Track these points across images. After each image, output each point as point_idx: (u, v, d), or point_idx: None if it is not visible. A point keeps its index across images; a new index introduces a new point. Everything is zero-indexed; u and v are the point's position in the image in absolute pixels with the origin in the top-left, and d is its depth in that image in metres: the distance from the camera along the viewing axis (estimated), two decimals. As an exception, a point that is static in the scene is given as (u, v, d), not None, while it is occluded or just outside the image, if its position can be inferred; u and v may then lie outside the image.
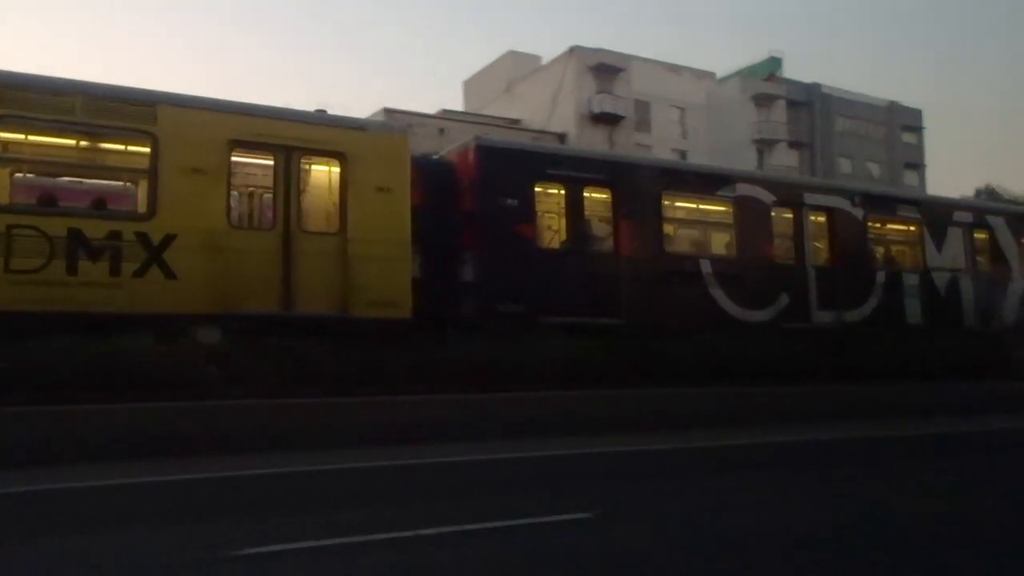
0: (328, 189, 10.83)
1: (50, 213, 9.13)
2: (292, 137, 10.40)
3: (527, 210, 12.09)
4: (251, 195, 10.73)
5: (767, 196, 14.34)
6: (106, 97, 9.54)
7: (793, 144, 53.53)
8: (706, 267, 13.49)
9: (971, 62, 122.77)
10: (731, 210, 14.08)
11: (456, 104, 53.77)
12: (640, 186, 13.10)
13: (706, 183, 13.99)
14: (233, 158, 10.08)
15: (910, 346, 15.28)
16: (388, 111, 38.35)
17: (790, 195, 14.74)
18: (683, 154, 44.41)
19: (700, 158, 40.64)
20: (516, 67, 51.64)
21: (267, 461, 7.77)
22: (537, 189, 12.33)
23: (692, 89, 51.00)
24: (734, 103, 51.43)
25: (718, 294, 13.48)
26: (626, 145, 45.85)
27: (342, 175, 10.69)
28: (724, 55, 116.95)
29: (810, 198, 14.96)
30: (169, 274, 9.45)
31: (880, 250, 16.43)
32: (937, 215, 16.58)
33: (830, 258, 15.09)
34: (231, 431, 8.52)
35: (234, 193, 10.15)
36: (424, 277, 11.34)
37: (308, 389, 9.64)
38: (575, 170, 12.65)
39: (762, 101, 53.42)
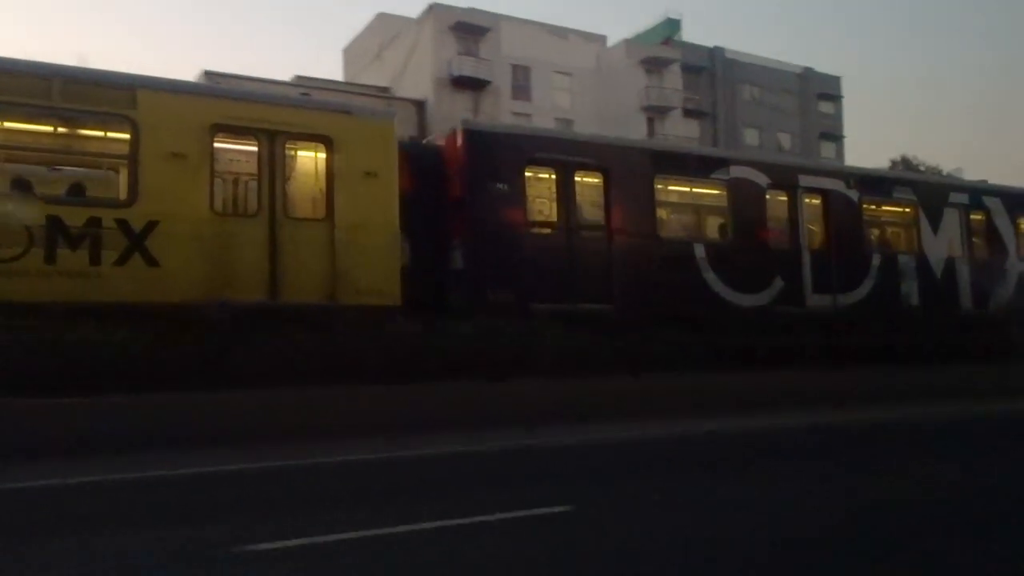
0: (314, 175, 10.62)
1: (27, 200, 8.92)
2: (276, 121, 10.18)
3: (517, 195, 11.90)
4: (235, 181, 10.51)
5: (762, 179, 14.16)
6: (84, 81, 9.31)
7: (691, 113, 49.98)
8: (699, 251, 13.33)
9: (891, 29, 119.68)
10: (725, 193, 13.92)
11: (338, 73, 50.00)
12: (632, 170, 12.91)
13: (700, 166, 13.80)
14: (216, 143, 9.86)
15: (906, 329, 15.22)
16: (210, 74, 34.38)
17: (785, 177, 14.56)
18: (569, 123, 39.79)
19: (588, 127, 35.99)
20: (387, 31, 47.45)
21: (258, 455, 7.61)
22: (527, 173, 12.13)
23: (580, 54, 46.72)
24: (623, 69, 47.44)
25: (711, 278, 13.33)
26: (494, 113, 41.32)
27: (328, 160, 10.48)
28: (622, 18, 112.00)
29: (805, 180, 14.78)
30: (151, 262, 9.26)
31: (875, 232, 16.29)
32: (933, 196, 16.43)
33: (825, 241, 14.95)
34: (221, 424, 8.37)
35: (217, 179, 9.92)
36: (412, 264, 11.17)
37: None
38: (566, 153, 12.45)
39: (653, 66, 49.33)
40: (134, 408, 8.27)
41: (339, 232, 10.32)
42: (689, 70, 50.72)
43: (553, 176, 12.37)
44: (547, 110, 43.24)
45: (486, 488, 6.44)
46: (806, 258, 14.48)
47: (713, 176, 13.78)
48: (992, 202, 17.47)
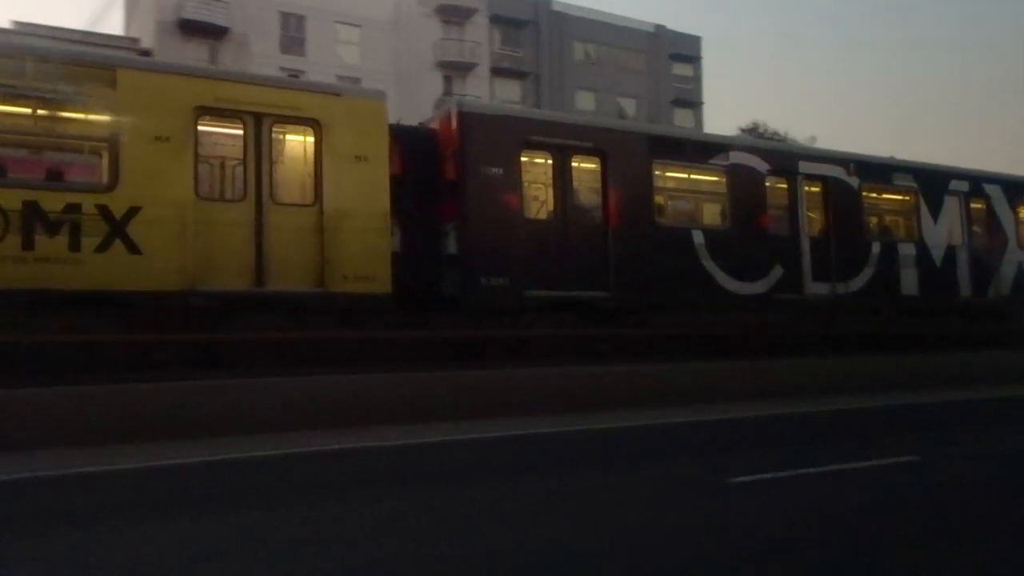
0: (302, 158, 10.31)
1: (2, 185, 8.58)
2: (263, 103, 9.85)
3: (512, 179, 11.58)
4: (220, 165, 10.18)
5: (761, 165, 13.88)
6: (61, 61, 8.95)
7: (508, 72, 43.82)
8: (698, 238, 13.07)
9: None
10: (724, 179, 13.64)
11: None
12: (630, 154, 12.61)
13: (699, 151, 13.49)
14: (200, 126, 9.53)
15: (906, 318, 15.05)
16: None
17: (785, 164, 14.27)
18: (356, 81, 32.68)
19: (379, 84, 26.04)
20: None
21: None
22: (523, 158, 11.81)
23: (372, 3, 39.72)
24: (418, 19, 41.20)
25: (710, 266, 13.08)
26: (245, 66, 32.96)
27: (316, 143, 10.16)
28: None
29: (805, 167, 14.50)
30: (133, 249, 8.95)
31: (875, 220, 16.05)
32: (933, 184, 16.18)
33: (824, 229, 14.70)
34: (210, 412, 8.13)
35: (201, 163, 9.59)
36: (404, 250, 10.88)
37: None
38: (563, 137, 12.13)
39: (451, 16, 42.36)
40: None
41: (328, 218, 10.03)
42: (505, 23, 43.88)
43: (549, 160, 12.06)
44: (328, 65, 36.28)
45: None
46: (805, 246, 14.23)
47: (712, 162, 13.49)
48: (992, 190, 17.23)
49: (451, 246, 11.29)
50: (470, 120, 11.48)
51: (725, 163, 13.53)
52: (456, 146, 11.36)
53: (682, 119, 47.85)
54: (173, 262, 9.19)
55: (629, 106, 46.68)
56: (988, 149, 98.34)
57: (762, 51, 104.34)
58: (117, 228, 8.87)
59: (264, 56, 35.41)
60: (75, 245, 8.67)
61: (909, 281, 15.47)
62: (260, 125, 9.81)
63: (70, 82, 8.83)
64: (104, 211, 8.82)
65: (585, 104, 44.19)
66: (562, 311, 12.02)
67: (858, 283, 14.75)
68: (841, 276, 14.51)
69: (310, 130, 10.18)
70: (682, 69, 50.07)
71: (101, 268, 8.77)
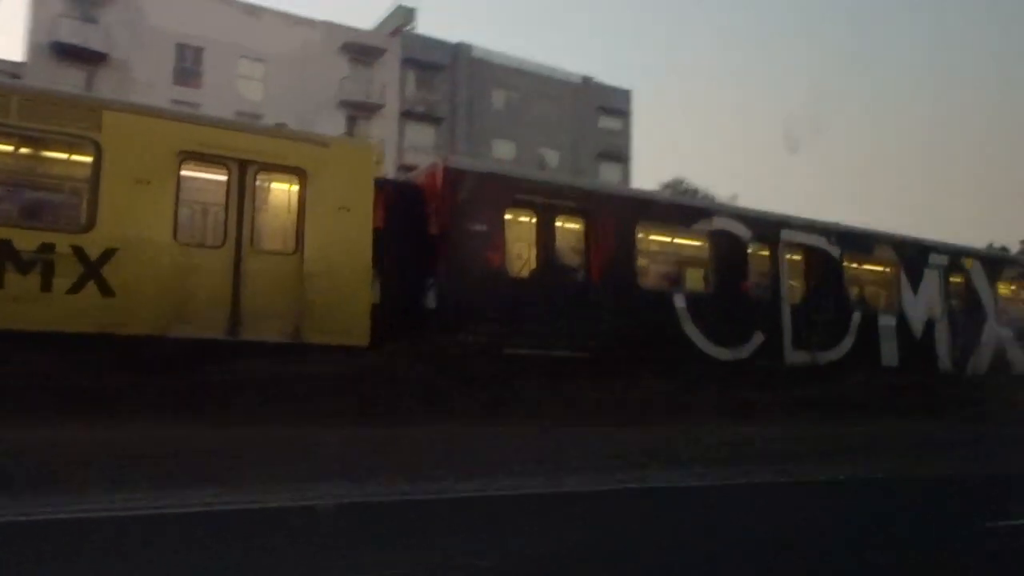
0: (285, 207, 10.27)
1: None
2: (249, 151, 9.85)
3: (496, 236, 11.59)
4: (201, 210, 10.11)
5: (744, 231, 14.00)
6: (46, 99, 8.93)
7: (418, 116, 42.09)
8: (680, 302, 13.08)
9: (683, 43, 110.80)
10: (706, 244, 13.73)
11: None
12: (615, 216, 12.68)
13: (682, 216, 13.60)
14: (183, 171, 9.49)
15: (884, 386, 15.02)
16: None
17: (767, 231, 14.41)
18: (258, 117, 31.72)
19: (281, 118, 21.70)
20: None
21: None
22: (507, 215, 11.84)
23: (279, 38, 38.15)
24: (323, 56, 39.52)
25: (691, 330, 13.06)
26: (118, 91, 29.72)
27: (301, 192, 10.14)
28: (363, 5, 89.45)
29: (787, 235, 14.65)
30: (106, 291, 8.80)
31: (856, 290, 16.18)
32: (914, 257, 16.38)
33: (805, 297, 14.77)
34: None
35: (182, 207, 9.52)
36: (383, 303, 10.79)
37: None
38: (548, 196, 12.20)
39: (359, 55, 40.74)
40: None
41: (308, 267, 9.95)
42: (421, 66, 42.44)
43: (534, 219, 12.10)
44: (225, 99, 34.29)
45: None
46: (786, 313, 14.28)
47: (695, 227, 13.60)
48: (972, 264, 17.47)
49: (431, 300, 11.22)
50: (456, 176, 11.53)
51: (708, 228, 13.64)
52: (441, 201, 11.39)
53: (608, 173, 46.46)
54: (146, 306, 9.05)
55: (552, 158, 45.09)
56: (918, 214, 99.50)
57: (696, 105, 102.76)
58: (92, 269, 8.74)
59: (152, 86, 33.64)
60: (47, 285, 8.51)
61: (889, 351, 15.52)
62: (245, 172, 9.79)
63: (55, 121, 8.80)
64: (79, 252, 8.70)
65: (504, 153, 42.68)
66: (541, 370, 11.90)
67: (838, 352, 14.78)
68: (822, 345, 14.54)
69: (295, 178, 10.17)
70: (610, 122, 48.78)
71: (72, 309, 8.61)
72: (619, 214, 12.76)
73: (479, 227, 11.40)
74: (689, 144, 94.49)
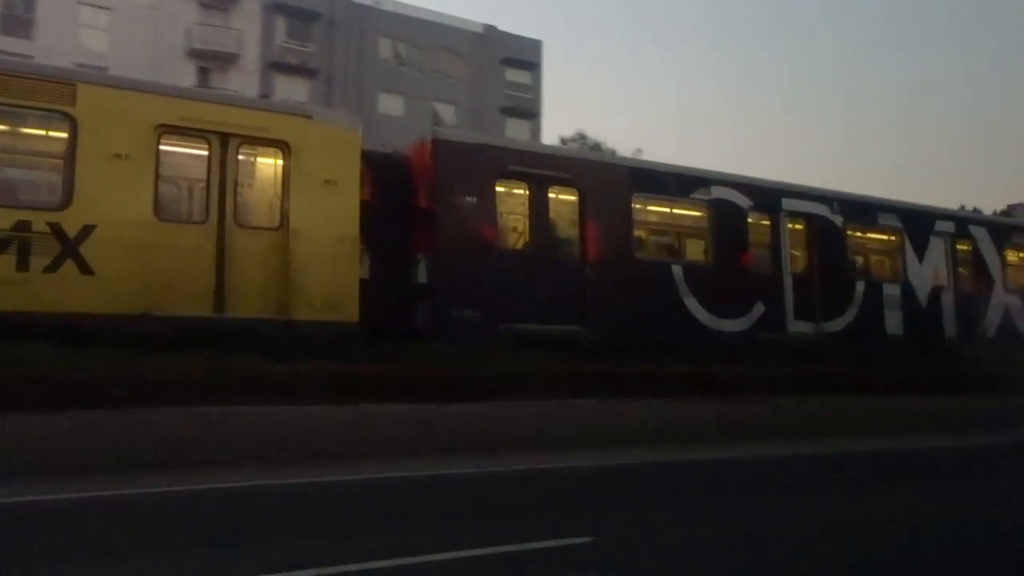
0: (269, 181, 10.02)
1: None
2: (230, 124, 9.58)
3: (487, 209, 11.33)
4: (183, 185, 9.87)
5: (743, 200, 13.68)
6: (19, 74, 8.68)
7: (290, 68, 38.86)
8: (678, 273, 12.80)
9: None
10: (705, 214, 13.43)
11: None
12: (610, 187, 12.39)
13: (680, 185, 13.27)
14: (162, 145, 9.24)
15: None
16: None
17: (768, 200, 14.08)
18: (103, 69, 26.28)
19: (129, 72, 20.88)
20: None
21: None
22: (499, 188, 11.56)
23: None
24: (175, 4, 36.58)
25: (690, 302, 12.79)
26: None
27: (285, 166, 9.88)
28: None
29: (788, 203, 14.32)
30: (85, 270, 8.60)
31: (859, 259, 15.86)
32: (919, 224, 16.03)
33: (808, 267, 14.47)
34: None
35: (162, 183, 9.28)
36: (373, 279, 10.56)
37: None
38: (541, 168, 11.90)
39: (212, 1, 37.49)
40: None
41: (294, 243, 9.70)
42: (292, 14, 38.93)
43: (527, 191, 11.82)
44: (64, 51, 30.64)
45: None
46: (788, 284, 13.99)
47: (693, 196, 13.28)
48: (978, 231, 17.11)
49: (422, 276, 10.98)
50: (445, 148, 11.26)
51: (707, 198, 13.33)
52: (430, 174, 11.12)
53: (514, 130, 42.41)
54: (128, 284, 8.84)
55: (448, 113, 41.25)
56: (826, 169, 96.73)
57: (612, 58, 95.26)
58: (69, 248, 8.52)
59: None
60: (23, 264, 8.31)
61: (894, 322, 15.23)
62: (226, 146, 9.53)
63: (29, 96, 8.55)
64: (56, 229, 8.48)
65: (392, 109, 38.95)
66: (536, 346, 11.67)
67: (842, 322, 14.50)
68: (824, 315, 14.26)
69: (279, 152, 9.90)
70: (517, 75, 44.64)
71: (50, 289, 8.41)
72: (614, 184, 12.47)
73: (470, 200, 11.13)
74: (604, 98, 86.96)
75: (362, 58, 40.28)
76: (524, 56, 45.20)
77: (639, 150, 33.56)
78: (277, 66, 38.88)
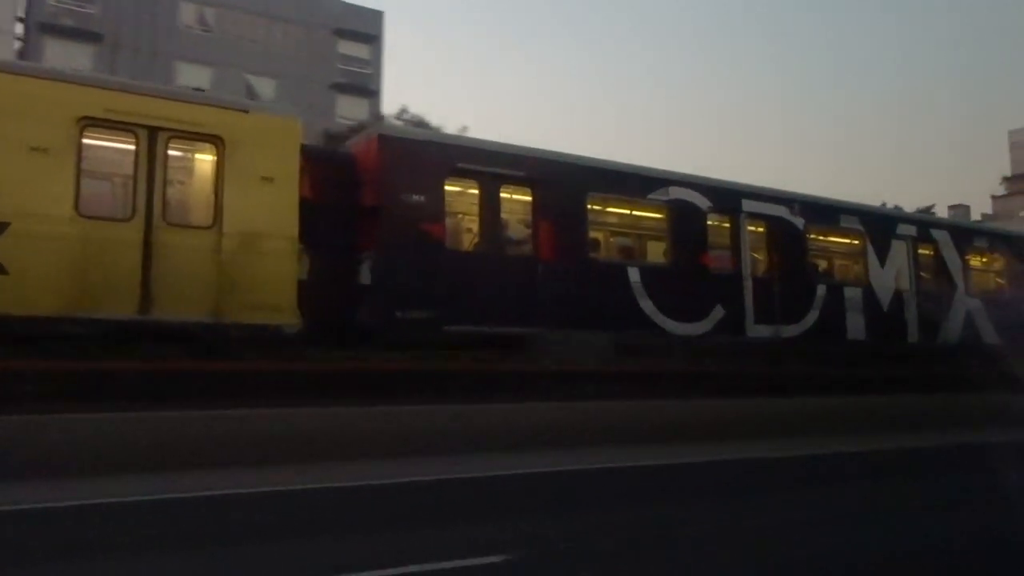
0: (201, 177, 9.61)
1: None
2: (159, 117, 9.15)
3: (435, 208, 10.96)
4: (107, 181, 9.42)
5: (703, 201, 13.44)
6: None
7: (67, 32, 34.12)
8: (634, 275, 12.50)
9: None
10: (663, 215, 13.16)
11: None
12: (564, 185, 12.06)
13: (637, 185, 12.98)
14: (85, 139, 8.79)
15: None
16: None
17: (727, 201, 13.85)
18: None
19: None
20: None
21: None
22: (447, 186, 11.20)
23: None
24: None
25: (647, 305, 12.50)
26: None
27: (218, 162, 9.46)
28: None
29: (748, 205, 14.09)
30: (-1, 269, 8.13)
31: (820, 262, 15.69)
32: (881, 227, 15.89)
33: (768, 269, 14.25)
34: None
35: (85, 178, 8.83)
36: (314, 279, 10.16)
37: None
38: (491, 165, 11.55)
39: None
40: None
41: (227, 241, 9.28)
42: None
43: (477, 189, 11.48)
44: None
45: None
46: (748, 286, 13.76)
47: (651, 197, 13.01)
48: (940, 235, 17.01)
49: (366, 276, 10.60)
50: (391, 144, 10.89)
51: (665, 198, 13.06)
52: (375, 171, 10.75)
53: (349, 108, 38.26)
54: (45, 284, 8.37)
55: (266, 87, 36.65)
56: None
57: (462, 33, 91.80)
58: (-19, 245, 8.05)
59: None
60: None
61: (856, 325, 15.05)
62: (155, 140, 9.10)
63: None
64: (-34, 226, 8.01)
65: (195, 79, 31.61)
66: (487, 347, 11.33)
67: (802, 326, 14.28)
68: (785, 319, 14.04)
69: (212, 147, 9.48)
70: (353, 48, 40.49)
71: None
72: (569, 183, 12.14)
73: (416, 198, 10.76)
74: (454, 74, 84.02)
75: (158, 23, 36.02)
76: (362, 27, 40.83)
77: (464, 127, 31.25)
78: (49, 28, 34.26)
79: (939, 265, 16.78)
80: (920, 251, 16.49)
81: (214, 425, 7.84)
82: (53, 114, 8.55)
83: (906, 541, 5.87)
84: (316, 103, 35.01)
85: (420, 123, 32.43)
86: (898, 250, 16.05)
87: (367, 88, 40.61)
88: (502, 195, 11.63)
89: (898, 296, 15.76)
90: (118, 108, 8.95)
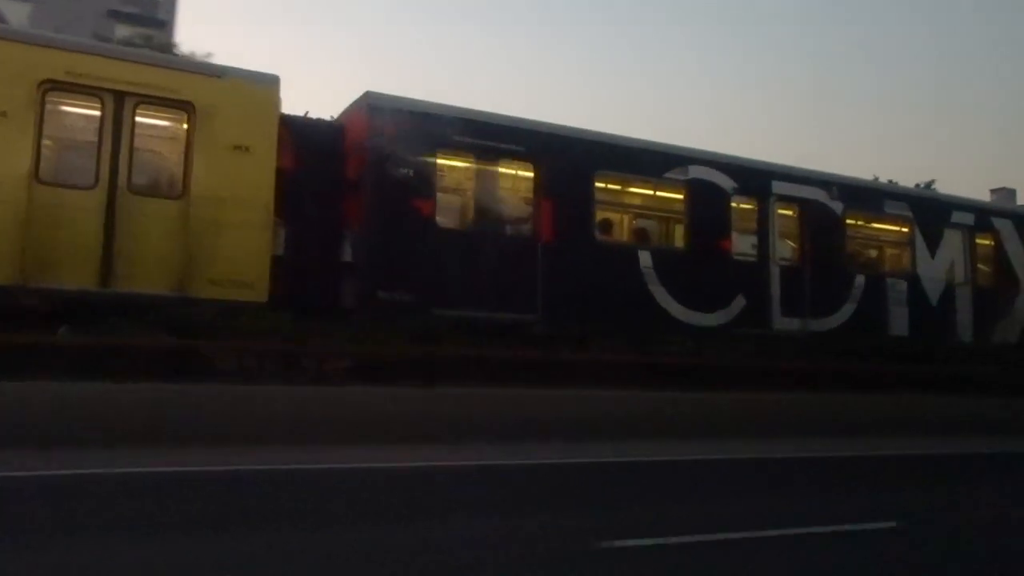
0: (170, 145, 9.20)
1: None
2: (126, 81, 8.76)
3: (425, 182, 10.31)
4: (70, 147, 9.08)
5: (726, 182, 12.42)
6: None
7: None
8: (645, 260, 11.62)
9: None
10: (681, 196, 12.21)
11: None
12: (569, 161, 11.25)
13: (652, 163, 12.04)
14: (47, 103, 8.45)
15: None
16: None
17: (755, 182, 12.78)
18: None
19: None
20: None
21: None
22: (440, 160, 10.53)
23: None
24: None
25: (658, 292, 11.61)
26: None
27: (189, 129, 9.03)
28: None
29: (779, 187, 12.99)
30: (-49, 235, 7.87)
31: (860, 251, 14.43)
32: (932, 214, 14.53)
33: (799, 257, 13.14)
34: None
35: (47, 143, 8.50)
36: (291, 255, 9.65)
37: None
38: (489, 139, 10.82)
39: None
40: None
41: (195, 213, 8.85)
42: None
43: (472, 164, 10.79)
44: None
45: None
46: (775, 275, 12.69)
47: (667, 176, 12.07)
48: (1003, 224, 15.49)
49: (347, 253, 10.04)
50: (380, 115, 10.26)
51: (683, 178, 12.11)
52: (363, 142, 10.16)
53: (129, 38, 27.81)
54: (2, 252, 8.08)
55: (19, 11, 29.37)
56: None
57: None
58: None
59: None
60: None
61: (898, 320, 13.80)
62: (121, 105, 8.71)
63: None
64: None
65: None
66: (481, 333, 10.67)
67: (837, 319, 13.14)
68: (816, 311, 12.92)
69: (182, 114, 9.05)
70: None
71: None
72: (575, 159, 11.31)
73: (404, 171, 10.13)
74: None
75: None
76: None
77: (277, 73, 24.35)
78: None
79: (1000, 257, 15.30)
80: (978, 241, 15.05)
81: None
82: (13, 77, 8.23)
83: None
84: (87, 32, 25.63)
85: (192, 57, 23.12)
86: (952, 240, 14.67)
87: (154, 18, 34.94)
88: (500, 171, 10.92)
89: (950, 290, 14.41)
90: (82, 71, 8.58)
